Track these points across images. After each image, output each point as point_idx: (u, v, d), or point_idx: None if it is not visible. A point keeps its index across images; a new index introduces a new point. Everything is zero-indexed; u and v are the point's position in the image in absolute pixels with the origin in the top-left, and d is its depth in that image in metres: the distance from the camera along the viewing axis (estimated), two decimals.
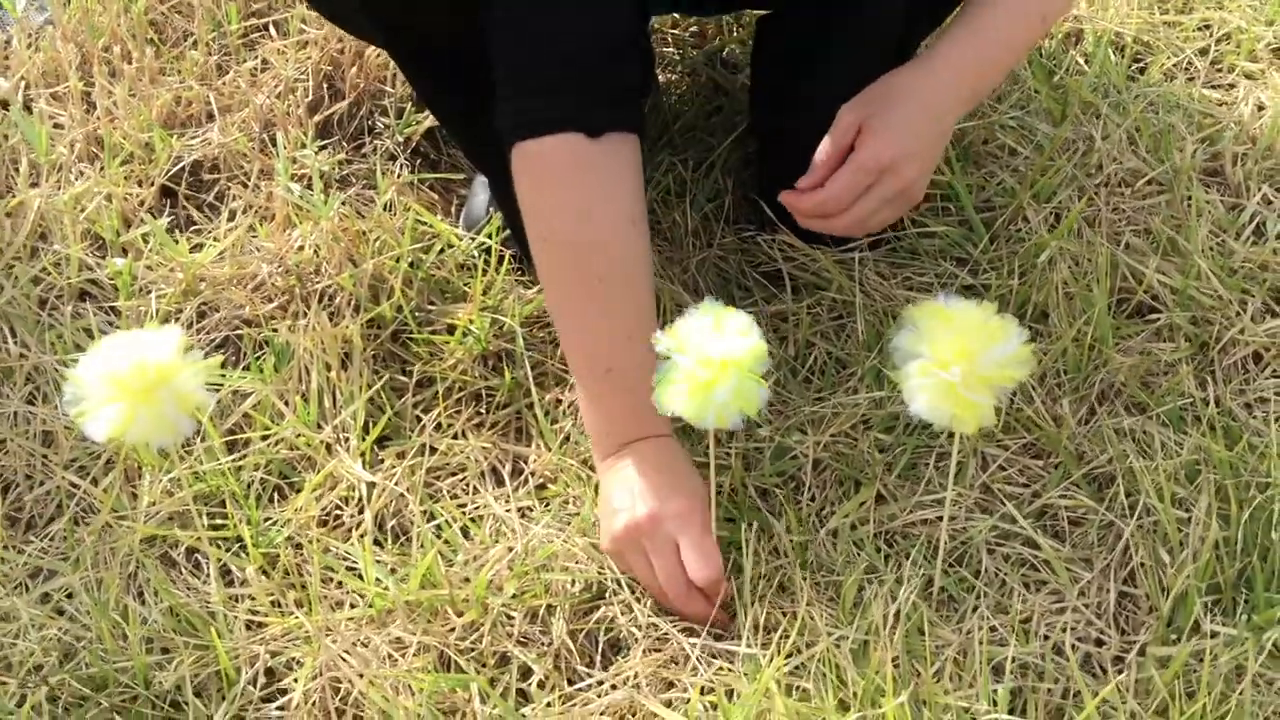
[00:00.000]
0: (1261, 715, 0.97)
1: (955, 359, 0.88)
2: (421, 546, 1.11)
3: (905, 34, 1.24)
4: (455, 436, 1.21)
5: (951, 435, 1.15)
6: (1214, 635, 1.01)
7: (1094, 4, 1.56)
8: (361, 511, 1.14)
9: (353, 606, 1.08)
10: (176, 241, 1.34)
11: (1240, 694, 0.96)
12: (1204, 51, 1.53)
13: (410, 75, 1.26)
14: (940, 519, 1.12)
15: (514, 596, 1.07)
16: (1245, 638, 1.00)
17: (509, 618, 1.06)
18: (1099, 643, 1.04)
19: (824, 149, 1.14)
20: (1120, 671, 1.01)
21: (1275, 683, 0.99)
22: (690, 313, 0.95)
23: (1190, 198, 1.33)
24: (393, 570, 1.10)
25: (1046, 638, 1.03)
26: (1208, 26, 1.56)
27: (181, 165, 1.42)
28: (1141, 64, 1.52)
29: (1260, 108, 1.45)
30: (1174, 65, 1.51)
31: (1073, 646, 1.02)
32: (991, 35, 1.15)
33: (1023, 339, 0.91)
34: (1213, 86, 1.50)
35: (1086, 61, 1.50)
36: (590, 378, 1.07)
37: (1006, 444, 1.16)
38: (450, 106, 1.25)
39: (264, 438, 1.19)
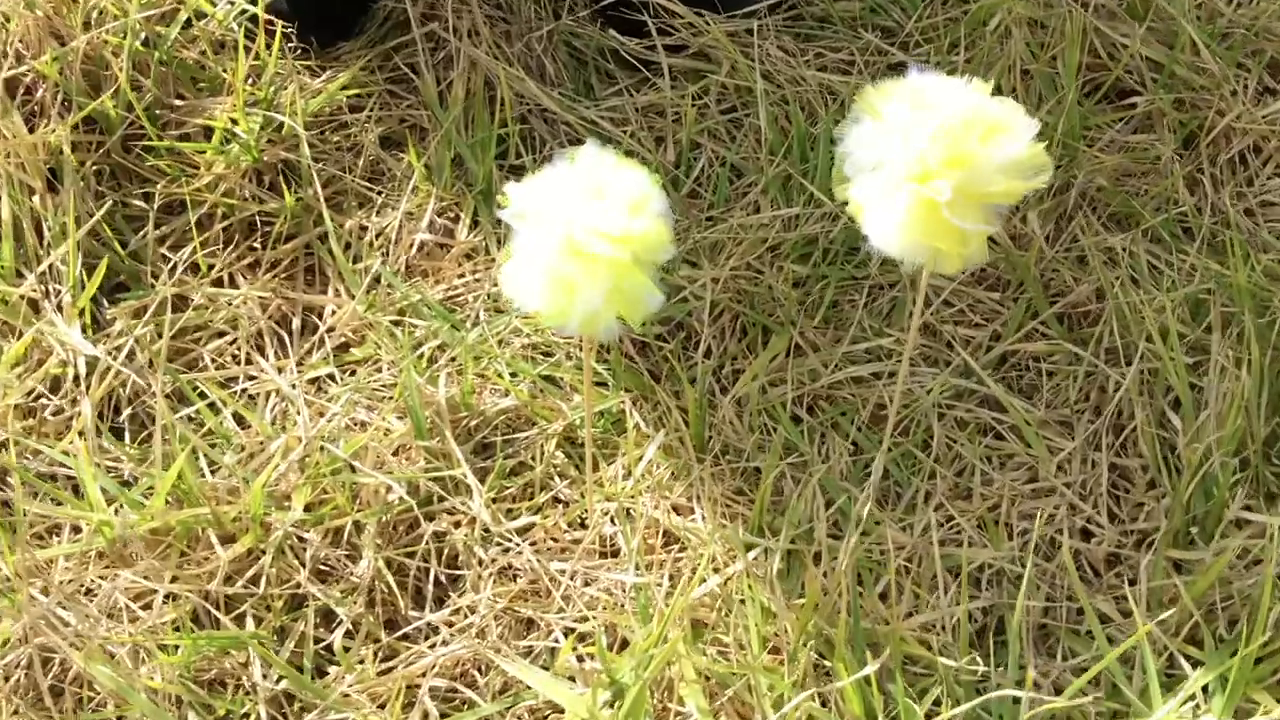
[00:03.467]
0: None
1: (945, 168, 0.59)
2: (169, 443, 0.79)
3: None
4: (218, 283, 0.88)
5: (889, 262, 0.87)
6: (1241, 525, 0.77)
7: None
8: (77, 400, 0.81)
9: (73, 537, 0.76)
10: None
11: None
12: None
13: None
14: (875, 376, 0.85)
15: (308, 511, 0.77)
16: None
17: (300, 541, 0.76)
18: (1087, 535, 0.79)
19: None
20: (1117, 575, 0.77)
21: None
22: (560, 158, 0.62)
23: None
24: (128, 483, 0.78)
25: (1023, 533, 0.78)
26: None
27: None
28: None
29: None
30: None
31: (1053, 541, 0.78)
32: None
33: (1033, 132, 0.62)
34: None
35: None
36: None
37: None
38: None
39: None
